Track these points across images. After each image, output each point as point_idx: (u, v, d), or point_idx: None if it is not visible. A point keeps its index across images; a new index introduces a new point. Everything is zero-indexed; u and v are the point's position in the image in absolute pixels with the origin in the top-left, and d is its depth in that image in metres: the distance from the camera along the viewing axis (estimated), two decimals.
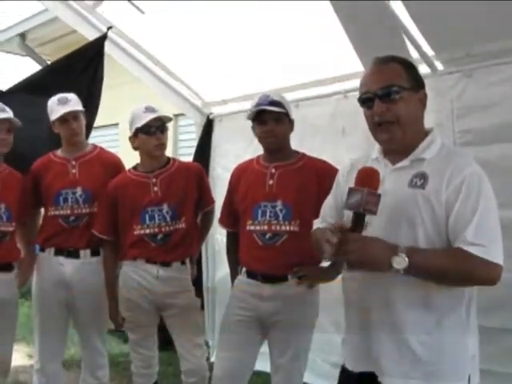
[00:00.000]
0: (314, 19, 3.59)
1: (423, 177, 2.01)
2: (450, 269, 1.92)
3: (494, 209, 1.97)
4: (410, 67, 2.12)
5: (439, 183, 1.98)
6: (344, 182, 2.26)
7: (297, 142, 3.27)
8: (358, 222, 1.95)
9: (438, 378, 2.01)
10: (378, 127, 2.09)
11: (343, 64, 3.69)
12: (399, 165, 2.09)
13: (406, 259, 1.89)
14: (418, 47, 3.42)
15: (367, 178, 1.96)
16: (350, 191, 1.95)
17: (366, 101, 2.10)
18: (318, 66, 3.97)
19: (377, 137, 2.13)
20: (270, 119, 3.05)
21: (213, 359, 3.88)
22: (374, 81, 2.08)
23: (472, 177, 1.96)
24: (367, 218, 1.93)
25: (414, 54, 3.48)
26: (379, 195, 1.96)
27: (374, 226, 1.99)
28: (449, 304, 2.00)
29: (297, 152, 3.20)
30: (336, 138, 3.85)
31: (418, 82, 2.09)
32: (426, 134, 2.11)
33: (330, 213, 2.35)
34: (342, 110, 3.88)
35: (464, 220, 1.93)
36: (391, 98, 2.03)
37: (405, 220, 2.01)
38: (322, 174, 3.00)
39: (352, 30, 3.54)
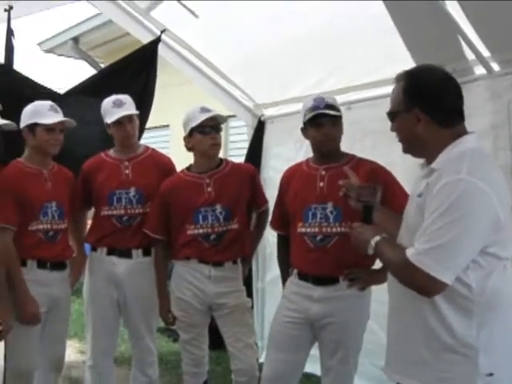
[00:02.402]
0: (367, 21, 3.56)
1: (427, 186, 2.06)
2: (390, 263, 2.14)
3: (459, 221, 1.93)
4: (407, 86, 2.16)
5: (430, 192, 2.02)
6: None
7: (348, 145, 3.25)
8: (364, 212, 2.43)
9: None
10: None
11: (396, 65, 3.65)
12: (422, 174, 2.18)
13: (374, 247, 2.17)
14: (474, 48, 3.36)
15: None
16: None
17: None
18: (370, 68, 3.95)
19: None
20: (328, 122, 3.05)
21: (261, 360, 3.89)
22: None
23: (445, 186, 1.96)
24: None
25: (469, 55, 3.43)
26: (374, 188, 2.53)
27: (401, 230, 2.22)
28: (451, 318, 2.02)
29: (346, 154, 3.19)
30: (389, 141, 3.80)
31: (410, 101, 2.14)
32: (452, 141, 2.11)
33: None
34: None
35: (424, 225, 1.99)
36: (392, 119, 2.23)
37: (407, 227, 2.17)
38: (373, 175, 2.98)
39: (406, 32, 3.50)
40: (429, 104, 2.11)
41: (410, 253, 1.99)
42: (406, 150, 2.25)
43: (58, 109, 3.50)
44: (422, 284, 1.98)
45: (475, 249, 1.96)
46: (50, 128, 3.40)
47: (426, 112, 2.10)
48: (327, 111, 3.02)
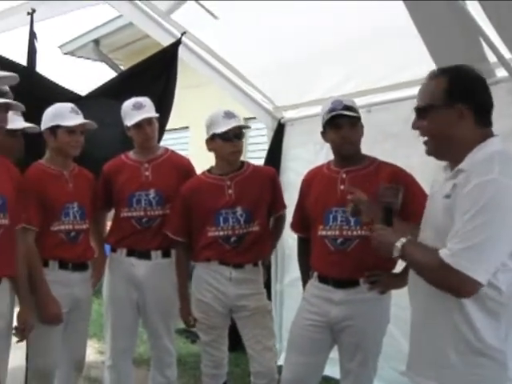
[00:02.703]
0: (387, 23, 3.55)
1: (454, 187, 2.03)
2: (420, 264, 2.09)
3: (493, 222, 1.91)
4: (449, 81, 2.11)
5: (459, 194, 1.99)
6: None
7: (368, 147, 3.24)
8: (385, 214, 2.38)
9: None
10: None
11: (417, 68, 3.63)
12: (446, 176, 2.15)
13: (400, 249, 2.11)
14: (496, 50, 3.33)
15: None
16: None
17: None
18: (390, 71, 3.93)
19: None
20: (346, 124, 3.05)
21: (280, 362, 3.88)
22: (418, 96, 2.20)
23: (475, 187, 1.94)
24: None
25: (491, 58, 3.40)
26: (397, 189, 2.43)
27: (423, 231, 2.22)
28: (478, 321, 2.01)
29: (367, 156, 3.19)
30: (409, 143, 3.79)
31: (453, 96, 2.09)
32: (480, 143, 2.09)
33: None
34: None
35: (456, 226, 1.97)
36: (422, 116, 2.15)
37: (433, 228, 2.14)
38: (394, 178, 2.98)
39: (427, 33, 3.47)
40: (473, 100, 2.08)
41: (443, 254, 1.96)
42: (430, 151, 2.19)
43: (79, 111, 3.52)
44: (457, 285, 1.95)
45: (508, 249, 1.94)
46: (71, 130, 3.42)
47: (470, 108, 2.07)
48: (345, 112, 3.03)
